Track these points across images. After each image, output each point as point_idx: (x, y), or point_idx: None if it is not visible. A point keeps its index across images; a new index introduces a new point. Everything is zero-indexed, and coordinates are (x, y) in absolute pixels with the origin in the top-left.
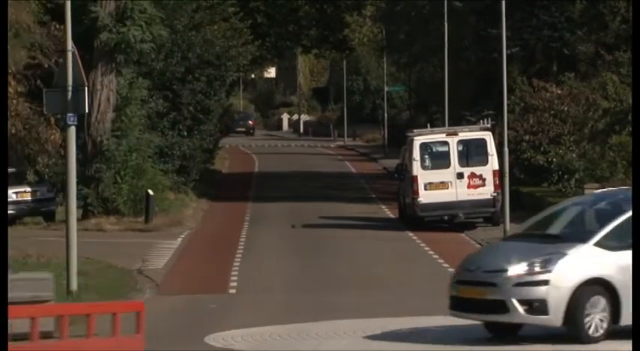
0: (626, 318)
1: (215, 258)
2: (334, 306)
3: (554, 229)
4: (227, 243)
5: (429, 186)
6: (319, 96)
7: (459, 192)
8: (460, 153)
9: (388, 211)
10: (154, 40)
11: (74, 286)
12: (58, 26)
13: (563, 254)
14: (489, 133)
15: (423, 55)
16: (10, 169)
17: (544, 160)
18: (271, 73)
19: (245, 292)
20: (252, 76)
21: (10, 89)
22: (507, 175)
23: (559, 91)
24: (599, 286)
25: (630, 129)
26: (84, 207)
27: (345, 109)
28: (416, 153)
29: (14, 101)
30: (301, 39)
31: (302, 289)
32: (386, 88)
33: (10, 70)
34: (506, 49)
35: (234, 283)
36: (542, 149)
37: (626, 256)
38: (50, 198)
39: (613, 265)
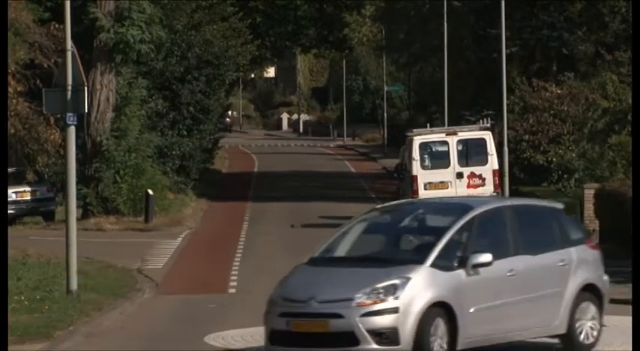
0: (463, 342)
1: (215, 258)
2: None
3: (370, 250)
4: (227, 243)
5: (428, 186)
6: (319, 96)
7: (458, 192)
8: (460, 153)
9: None
10: (152, 41)
11: (74, 285)
12: (57, 26)
13: (407, 278)
14: (489, 132)
15: (423, 54)
16: (9, 169)
17: (544, 159)
18: (271, 72)
19: (245, 292)
20: (252, 75)
21: (9, 89)
22: (507, 174)
23: (559, 91)
24: (439, 309)
25: (630, 129)
26: (83, 207)
27: (345, 108)
28: (415, 153)
29: (14, 101)
30: (300, 39)
31: None
32: (385, 88)
33: (9, 70)
34: (506, 48)
35: (234, 283)
36: (541, 149)
37: (457, 277)
38: (50, 198)
39: (449, 286)
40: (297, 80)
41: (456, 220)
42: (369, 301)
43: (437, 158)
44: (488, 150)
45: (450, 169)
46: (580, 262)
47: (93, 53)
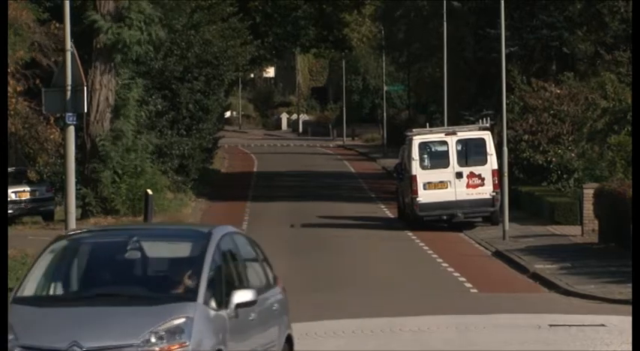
0: None
1: None
2: (334, 305)
3: (104, 285)
4: None
5: (428, 185)
6: (318, 95)
7: (458, 191)
8: (459, 152)
9: (387, 211)
10: (151, 41)
11: None
12: (57, 25)
13: (189, 318)
14: (488, 132)
15: (422, 54)
16: (9, 169)
17: (543, 159)
18: (270, 72)
19: None
20: (252, 75)
21: (8, 88)
22: (506, 174)
23: (558, 91)
24: None
25: (629, 128)
26: (82, 207)
27: (344, 108)
28: (415, 153)
29: (13, 100)
30: (300, 38)
31: (301, 289)
32: (385, 88)
33: (9, 69)
34: (506, 48)
35: None
36: (541, 149)
37: (223, 319)
38: (49, 198)
39: (221, 330)
40: (297, 80)
41: (203, 247)
42: (155, 348)
43: (436, 158)
44: (488, 150)
45: (450, 169)
46: (282, 308)
47: (92, 53)
